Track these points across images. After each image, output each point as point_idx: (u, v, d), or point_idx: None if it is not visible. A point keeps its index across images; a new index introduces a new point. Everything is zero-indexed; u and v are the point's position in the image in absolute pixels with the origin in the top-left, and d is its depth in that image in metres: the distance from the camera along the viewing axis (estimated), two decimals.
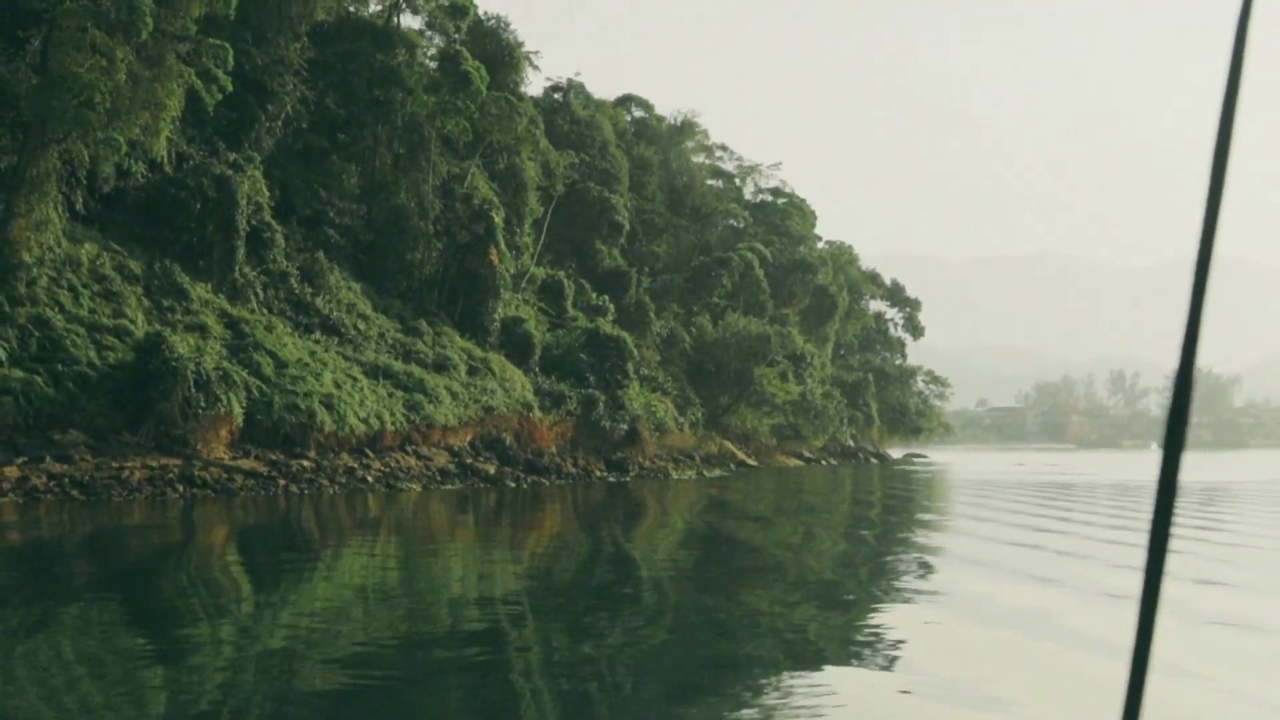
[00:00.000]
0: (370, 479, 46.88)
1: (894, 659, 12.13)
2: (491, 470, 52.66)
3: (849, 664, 12.12)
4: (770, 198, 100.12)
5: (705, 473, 66.57)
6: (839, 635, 14.29)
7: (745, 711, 10.08)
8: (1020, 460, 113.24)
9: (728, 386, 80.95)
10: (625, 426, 62.22)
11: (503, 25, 66.48)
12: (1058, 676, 11.51)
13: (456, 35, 62.22)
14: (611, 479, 58.05)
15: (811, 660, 12.63)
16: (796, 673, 11.69)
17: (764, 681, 11.31)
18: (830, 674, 11.58)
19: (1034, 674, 11.67)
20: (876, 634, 14.06)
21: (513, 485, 51.60)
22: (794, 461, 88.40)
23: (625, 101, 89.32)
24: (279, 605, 16.20)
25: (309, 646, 12.62)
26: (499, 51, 63.93)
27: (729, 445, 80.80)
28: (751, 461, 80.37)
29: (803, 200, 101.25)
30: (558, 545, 27.15)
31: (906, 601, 16.88)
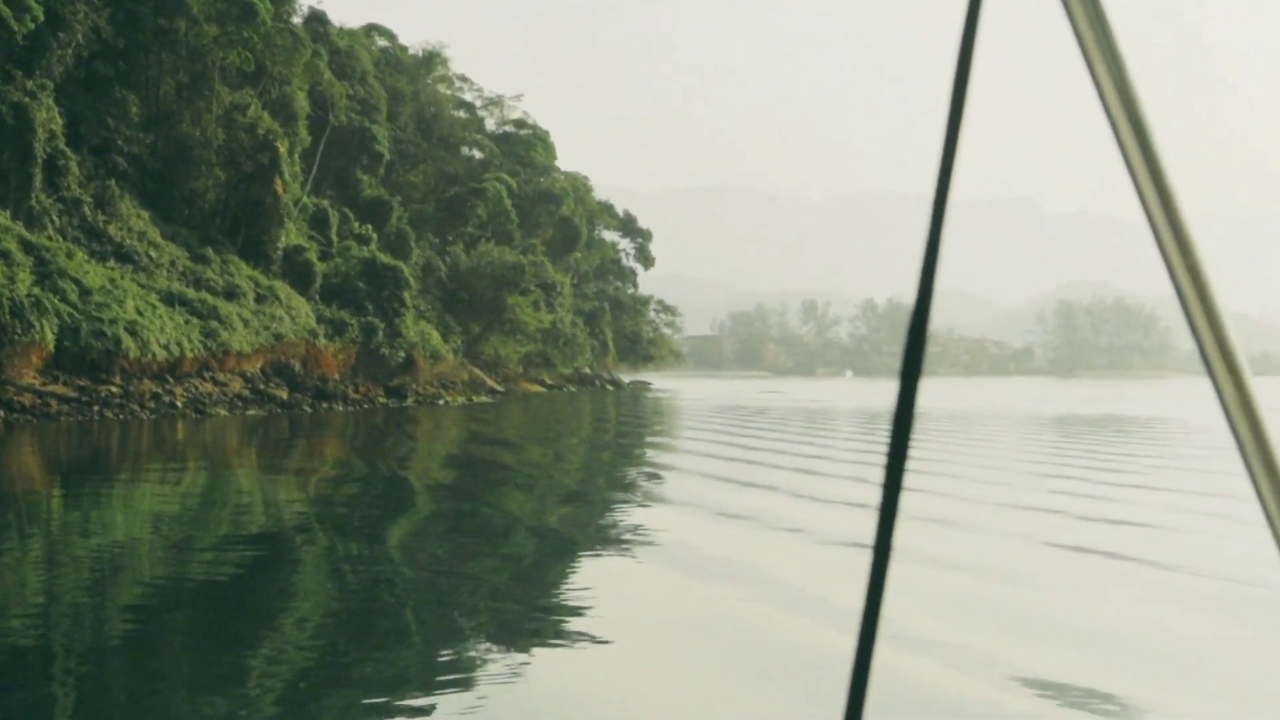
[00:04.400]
0: (180, 404, 49.69)
1: (633, 545, 15.89)
2: (284, 396, 55.99)
3: (596, 553, 15.57)
4: (514, 129, 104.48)
5: (474, 398, 71.34)
6: (586, 531, 17.82)
7: (516, 590, 13.12)
8: (739, 388, 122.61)
9: (481, 315, 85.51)
10: (403, 354, 66.31)
11: None
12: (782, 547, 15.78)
13: None
14: (392, 404, 62.08)
15: (566, 551, 15.97)
16: (552, 564, 15.05)
17: (525, 572, 14.45)
18: (581, 561, 15.01)
19: (750, 536, 16.72)
20: (618, 529, 17.73)
21: (309, 410, 55.13)
22: (537, 388, 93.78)
23: (369, 31, 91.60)
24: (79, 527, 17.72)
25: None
26: None
27: (478, 373, 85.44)
28: (499, 388, 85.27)
29: (546, 132, 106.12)
30: (355, 465, 30.52)
31: (641, 506, 21.14)
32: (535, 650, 9.91)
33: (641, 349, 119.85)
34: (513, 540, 17.09)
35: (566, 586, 13.33)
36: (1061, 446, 40.41)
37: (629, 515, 19.68)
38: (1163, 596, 12.56)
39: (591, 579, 13.60)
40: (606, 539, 16.88)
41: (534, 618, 11.39)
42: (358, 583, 13.27)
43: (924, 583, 12.43)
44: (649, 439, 44.28)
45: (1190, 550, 15.50)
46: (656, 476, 27.22)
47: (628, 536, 16.79)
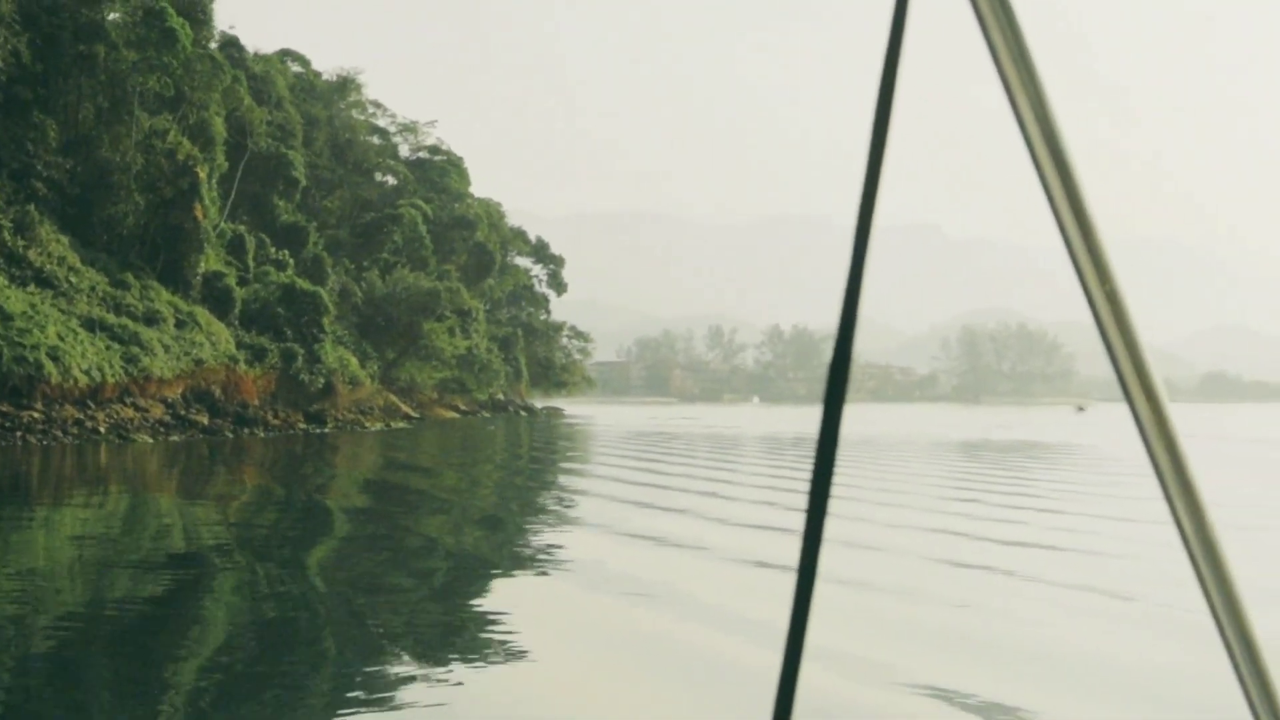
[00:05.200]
0: (103, 429, 50.09)
1: (545, 564, 17.10)
2: (205, 422, 56.42)
3: (509, 574, 16.65)
4: (428, 155, 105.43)
5: (392, 424, 72.09)
6: (498, 552, 19.06)
7: (440, 604, 14.22)
8: (653, 414, 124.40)
9: (396, 341, 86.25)
10: (322, 380, 66.91)
11: None
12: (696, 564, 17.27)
13: None
14: (312, 430, 62.70)
15: (480, 570, 17.14)
16: (467, 581, 16.18)
17: (443, 588, 15.53)
18: (494, 580, 16.19)
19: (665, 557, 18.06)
20: (528, 550, 19.10)
21: (231, 436, 55.66)
22: (452, 414, 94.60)
23: (283, 57, 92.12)
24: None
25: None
26: (190, 7, 66.44)
27: (393, 399, 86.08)
28: (414, 414, 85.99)
29: (460, 158, 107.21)
30: (275, 490, 31.58)
31: (551, 527, 22.60)
32: (452, 663, 10.60)
33: (554, 375, 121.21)
34: (428, 561, 18.14)
35: (478, 604, 14.27)
36: (974, 470, 42.37)
37: (543, 537, 20.89)
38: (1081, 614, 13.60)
39: (504, 597, 14.58)
40: (520, 559, 17.97)
41: (446, 632, 12.28)
42: (272, 604, 14.00)
43: (836, 599, 13.53)
44: (567, 465, 45.62)
45: (1104, 571, 16.68)
46: (570, 502, 28.36)
47: (541, 557, 17.89)
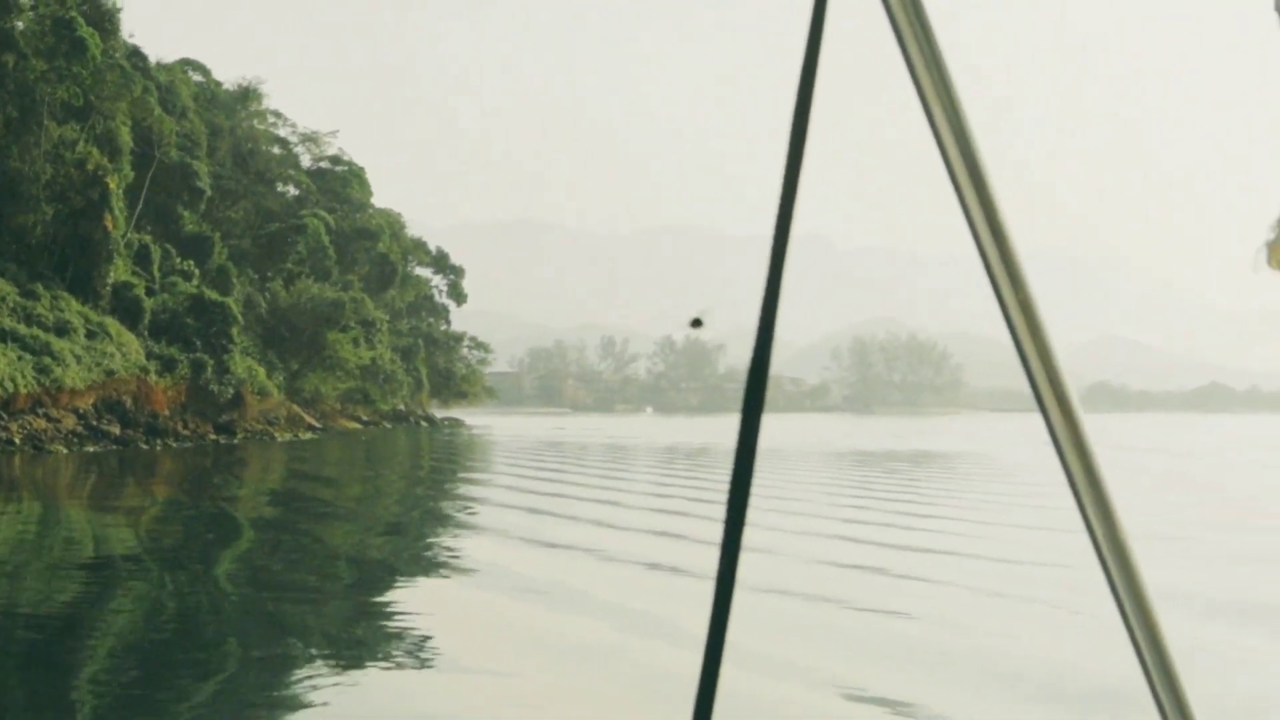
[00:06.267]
0: (17, 440, 50.57)
1: (443, 567, 18.57)
2: (118, 432, 56.98)
3: (414, 577, 17.92)
4: (330, 165, 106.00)
5: (300, 435, 72.98)
6: (400, 556, 20.43)
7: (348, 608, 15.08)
8: (550, 425, 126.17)
9: (300, 351, 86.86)
10: (231, 390, 67.53)
11: None
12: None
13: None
14: (222, 441, 63.48)
15: (385, 574, 18.26)
16: (374, 586, 17.17)
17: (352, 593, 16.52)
18: (399, 583, 17.42)
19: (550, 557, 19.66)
20: (430, 555, 20.49)
21: (145, 447, 56.30)
22: (354, 425, 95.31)
23: (184, 66, 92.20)
24: None
25: None
26: (99, 17, 66.72)
27: (296, 409, 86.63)
28: (318, 425, 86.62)
29: (361, 168, 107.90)
30: (184, 500, 32.94)
31: (454, 536, 23.80)
32: (361, 660, 11.47)
33: (455, 385, 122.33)
34: (334, 567, 19.33)
35: (379, 602, 15.45)
36: (870, 479, 44.69)
37: (445, 543, 22.35)
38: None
39: (407, 597, 15.86)
40: (423, 563, 19.34)
41: (347, 625, 13.51)
42: (178, 608, 14.84)
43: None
44: (480, 475, 47.00)
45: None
46: (473, 510, 29.85)
47: (444, 559, 19.34)
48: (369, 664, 11.45)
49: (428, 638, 12.59)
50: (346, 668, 11.17)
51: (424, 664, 11.49)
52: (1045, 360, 1.18)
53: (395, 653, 12.01)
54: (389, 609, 15.12)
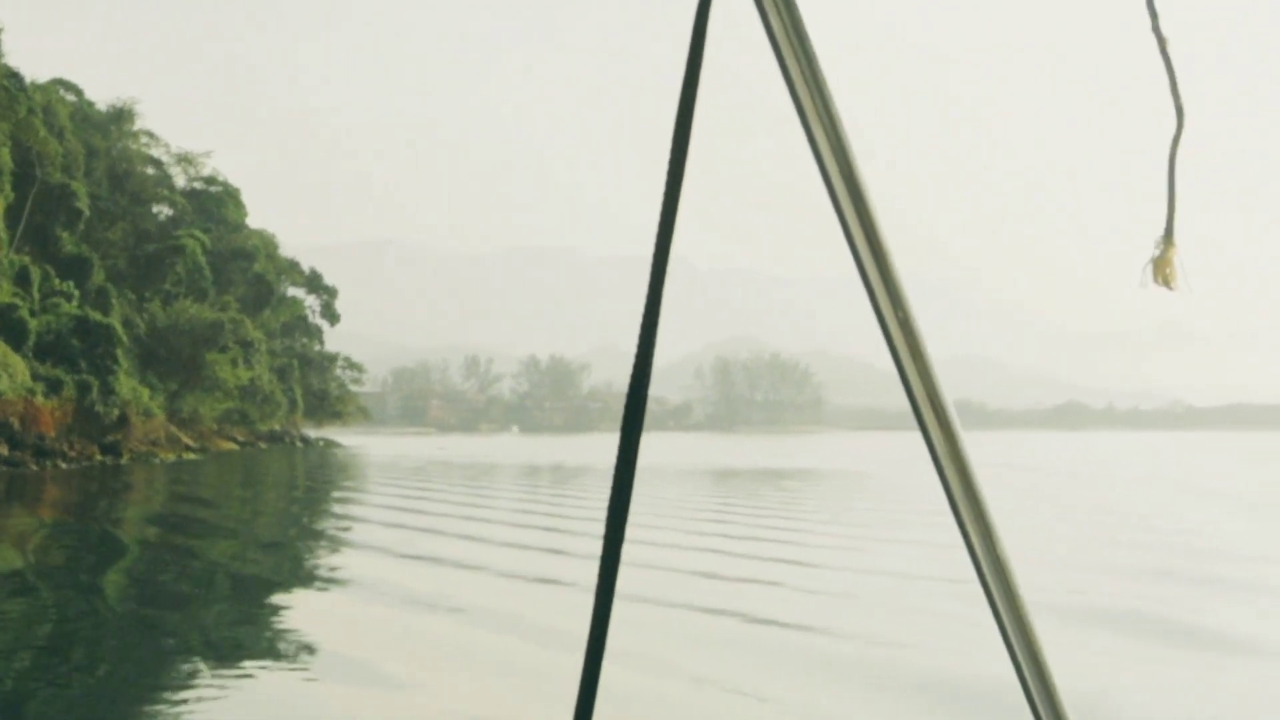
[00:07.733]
0: None
1: (328, 580, 19.88)
2: (6, 453, 57.50)
3: (290, 590, 19.13)
4: (204, 185, 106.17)
5: (185, 456, 73.82)
6: (279, 572, 21.58)
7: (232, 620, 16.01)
8: (441, 444, 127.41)
9: (179, 372, 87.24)
10: (117, 411, 68.11)
11: None
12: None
13: None
14: (109, 461, 64.25)
15: (264, 588, 19.56)
16: (254, 598, 18.44)
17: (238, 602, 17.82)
18: (275, 595, 18.70)
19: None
20: (306, 568, 21.97)
21: (35, 468, 56.97)
22: (231, 445, 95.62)
23: (57, 86, 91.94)
24: None
25: None
26: None
27: (174, 429, 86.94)
28: (195, 445, 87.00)
29: (236, 189, 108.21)
30: (69, 520, 34.33)
31: (329, 549, 25.59)
32: (241, 662, 12.29)
33: (329, 405, 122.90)
34: (215, 583, 20.56)
35: (261, 613, 16.52)
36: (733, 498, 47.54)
37: (323, 559, 23.94)
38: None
39: (288, 607, 17.13)
40: (302, 577, 20.77)
41: (230, 631, 14.69)
42: (65, 622, 15.65)
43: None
44: (356, 494, 48.72)
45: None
46: (347, 527, 31.71)
47: (322, 573, 20.87)
48: (249, 660, 12.68)
49: (296, 634, 14.06)
50: (221, 663, 12.38)
51: (300, 654, 12.98)
52: (925, 378, 1.20)
53: (274, 651, 13.34)
54: (266, 615, 16.57)
